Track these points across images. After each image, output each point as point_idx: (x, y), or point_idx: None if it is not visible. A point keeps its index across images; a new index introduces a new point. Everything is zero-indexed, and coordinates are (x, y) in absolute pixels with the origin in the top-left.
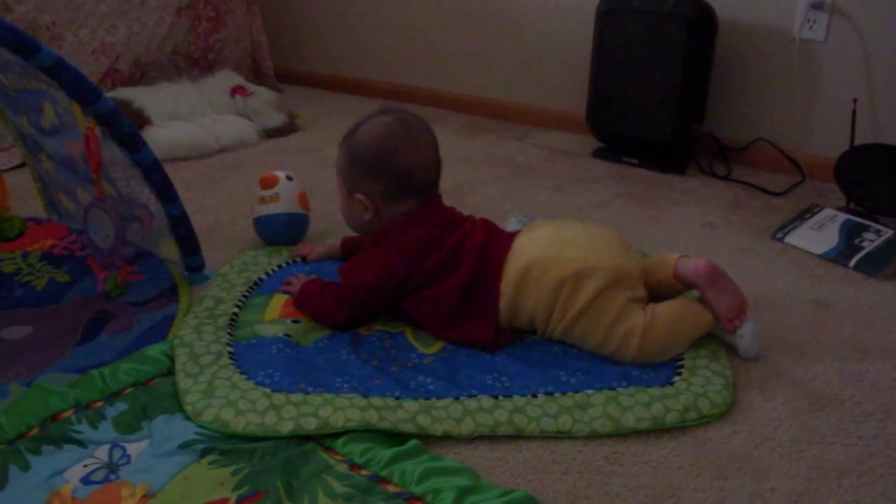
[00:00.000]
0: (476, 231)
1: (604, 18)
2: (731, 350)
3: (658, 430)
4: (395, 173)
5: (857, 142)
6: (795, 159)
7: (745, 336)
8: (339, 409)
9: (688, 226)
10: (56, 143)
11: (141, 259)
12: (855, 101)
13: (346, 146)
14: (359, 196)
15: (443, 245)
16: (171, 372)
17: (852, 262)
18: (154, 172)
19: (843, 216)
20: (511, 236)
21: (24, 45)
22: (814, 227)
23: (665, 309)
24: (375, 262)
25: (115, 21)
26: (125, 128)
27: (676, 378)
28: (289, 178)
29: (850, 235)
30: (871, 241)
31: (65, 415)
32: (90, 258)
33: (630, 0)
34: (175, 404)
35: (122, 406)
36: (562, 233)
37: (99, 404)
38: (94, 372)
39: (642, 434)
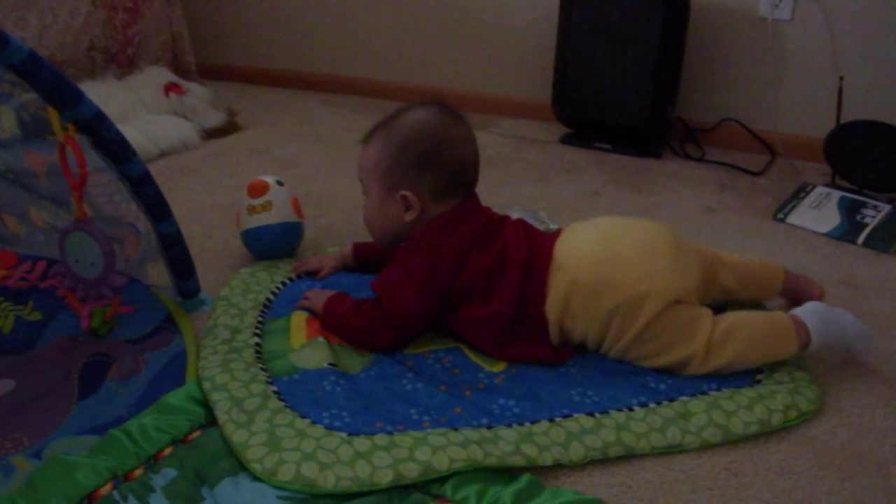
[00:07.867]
0: (518, 238)
1: (572, 1)
2: None
3: (764, 433)
4: (450, 166)
5: (825, 118)
6: (764, 138)
7: None
8: (439, 449)
9: (688, 211)
10: (10, 156)
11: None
12: (841, 78)
13: (384, 139)
14: (403, 194)
15: (486, 250)
16: (209, 422)
17: (860, 240)
18: (145, 186)
19: (837, 193)
20: (550, 243)
21: None
22: (812, 206)
23: (748, 328)
24: (417, 274)
25: (24, 12)
26: (112, 134)
27: (760, 375)
28: (279, 182)
29: (850, 212)
30: (872, 217)
31: (103, 491)
32: (66, 291)
33: None
34: (235, 463)
35: (169, 472)
36: (610, 242)
37: (139, 472)
38: (117, 432)
39: (749, 438)
